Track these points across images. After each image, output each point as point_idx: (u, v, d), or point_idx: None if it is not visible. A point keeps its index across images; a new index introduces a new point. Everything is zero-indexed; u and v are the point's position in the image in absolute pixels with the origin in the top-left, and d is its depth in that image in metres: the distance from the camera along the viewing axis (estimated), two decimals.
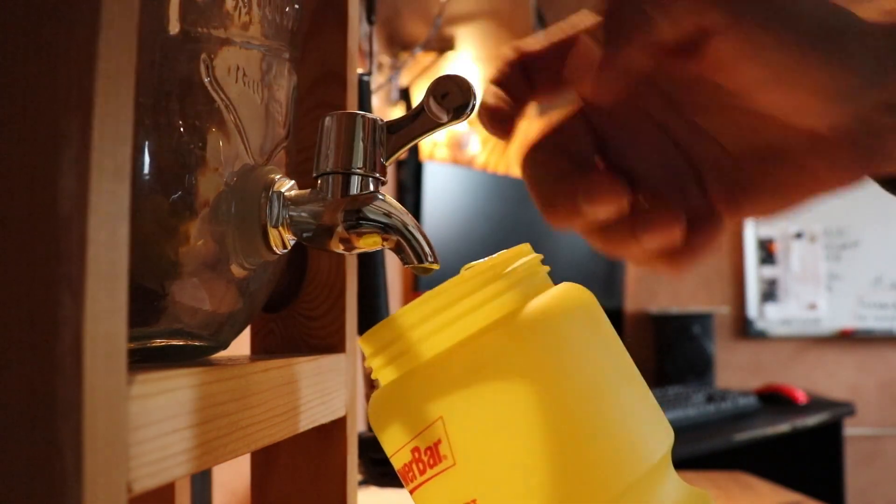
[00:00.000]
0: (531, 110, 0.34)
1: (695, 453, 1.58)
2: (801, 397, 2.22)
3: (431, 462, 0.31)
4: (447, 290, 0.32)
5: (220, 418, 0.29)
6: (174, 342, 0.34)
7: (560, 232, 0.34)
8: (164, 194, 0.32)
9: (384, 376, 0.33)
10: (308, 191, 0.37)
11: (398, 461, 0.33)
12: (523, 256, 0.34)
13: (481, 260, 0.33)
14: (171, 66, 0.32)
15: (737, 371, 2.70)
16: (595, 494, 0.30)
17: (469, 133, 2.34)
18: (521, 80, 0.34)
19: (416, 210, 1.80)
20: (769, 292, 2.79)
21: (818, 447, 2.18)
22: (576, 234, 0.34)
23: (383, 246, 0.36)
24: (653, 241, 0.32)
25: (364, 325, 0.63)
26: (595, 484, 0.30)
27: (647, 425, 0.32)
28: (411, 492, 0.33)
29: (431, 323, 0.32)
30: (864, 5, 0.31)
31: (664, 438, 0.33)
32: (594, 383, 0.32)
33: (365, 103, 0.67)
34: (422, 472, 0.32)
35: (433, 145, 2.29)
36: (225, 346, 0.38)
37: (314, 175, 0.36)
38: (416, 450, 0.32)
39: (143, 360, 0.34)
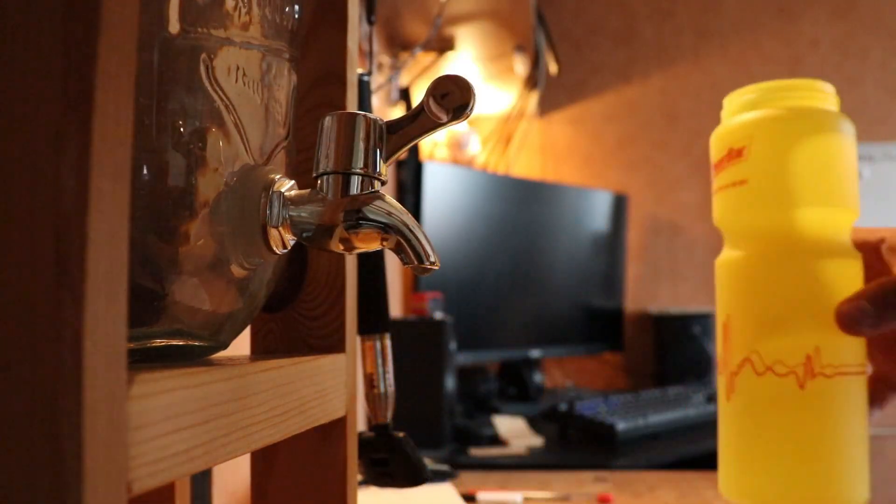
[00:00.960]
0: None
1: (695, 453, 1.58)
2: None
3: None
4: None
5: (220, 418, 0.29)
6: (174, 342, 0.34)
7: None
8: (164, 194, 0.32)
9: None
10: (308, 191, 0.37)
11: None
12: None
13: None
14: (171, 66, 0.32)
15: None
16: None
17: (469, 133, 2.34)
18: None
19: (416, 210, 1.80)
20: None
21: None
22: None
23: (383, 246, 0.36)
24: None
25: (364, 325, 0.63)
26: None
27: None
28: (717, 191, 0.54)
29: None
30: None
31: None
32: None
33: (365, 103, 0.67)
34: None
35: (433, 145, 2.29)
36: (225, 346, 0.38)
37: (314, 175, 0.36)
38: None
39: (143, 360, 0.34)
